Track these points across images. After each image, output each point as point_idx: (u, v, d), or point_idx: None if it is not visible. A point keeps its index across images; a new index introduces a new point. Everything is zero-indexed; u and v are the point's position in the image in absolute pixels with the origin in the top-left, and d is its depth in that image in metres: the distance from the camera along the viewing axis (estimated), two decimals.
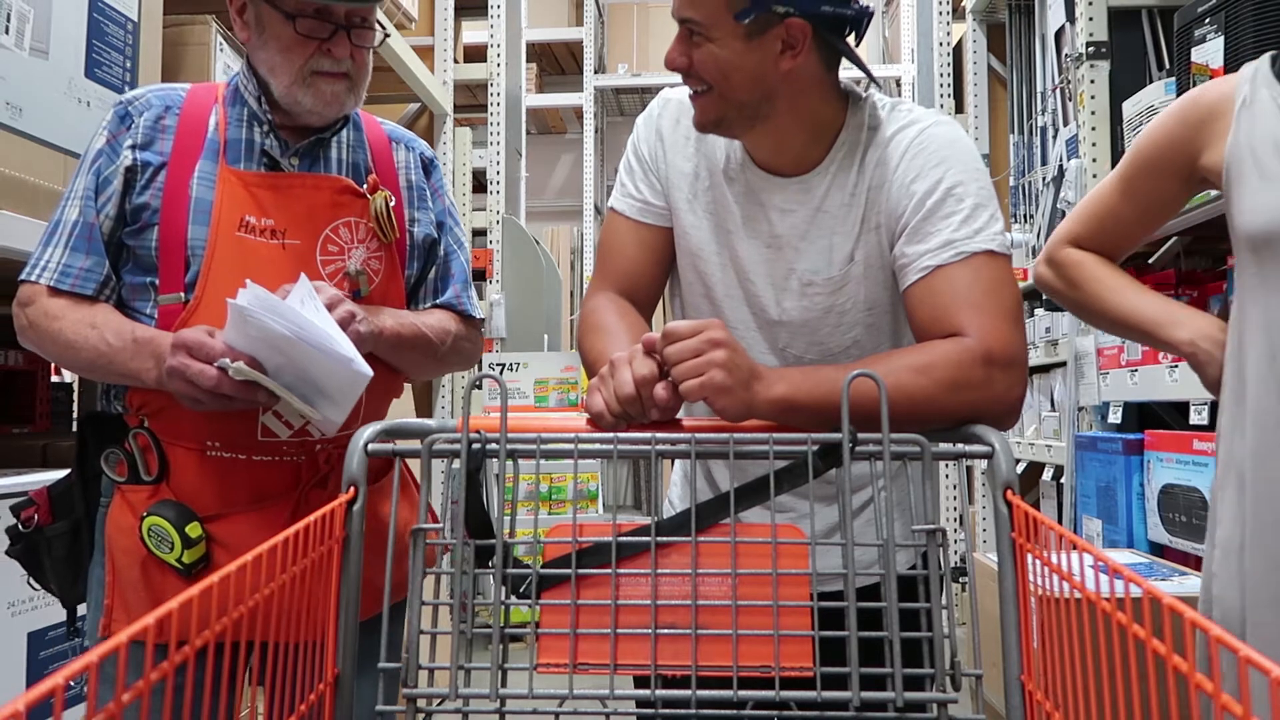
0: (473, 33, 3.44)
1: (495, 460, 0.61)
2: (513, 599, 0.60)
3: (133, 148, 0.88)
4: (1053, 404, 2.18)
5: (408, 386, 2.48)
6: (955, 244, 0.76)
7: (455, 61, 3.14)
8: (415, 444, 0.61)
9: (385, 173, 0.97)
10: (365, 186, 0.93)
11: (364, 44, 0.91)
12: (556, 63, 5.06)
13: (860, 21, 0.79)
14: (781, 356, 0.86)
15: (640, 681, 0.60)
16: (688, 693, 0.56)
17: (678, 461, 0.95)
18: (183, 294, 0.86)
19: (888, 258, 0.82)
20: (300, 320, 0.77)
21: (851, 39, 0.81)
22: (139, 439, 0.87)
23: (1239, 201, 0.81)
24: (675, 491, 0.99)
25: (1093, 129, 1.95)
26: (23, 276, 0.88)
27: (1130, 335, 0.95)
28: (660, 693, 0.56)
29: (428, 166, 1.03)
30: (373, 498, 0.95)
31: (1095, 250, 0.98)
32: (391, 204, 0.94)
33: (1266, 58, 0.85)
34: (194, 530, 0.83)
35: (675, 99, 0.90)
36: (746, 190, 0.86)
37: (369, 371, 0.81)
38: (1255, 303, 0.80)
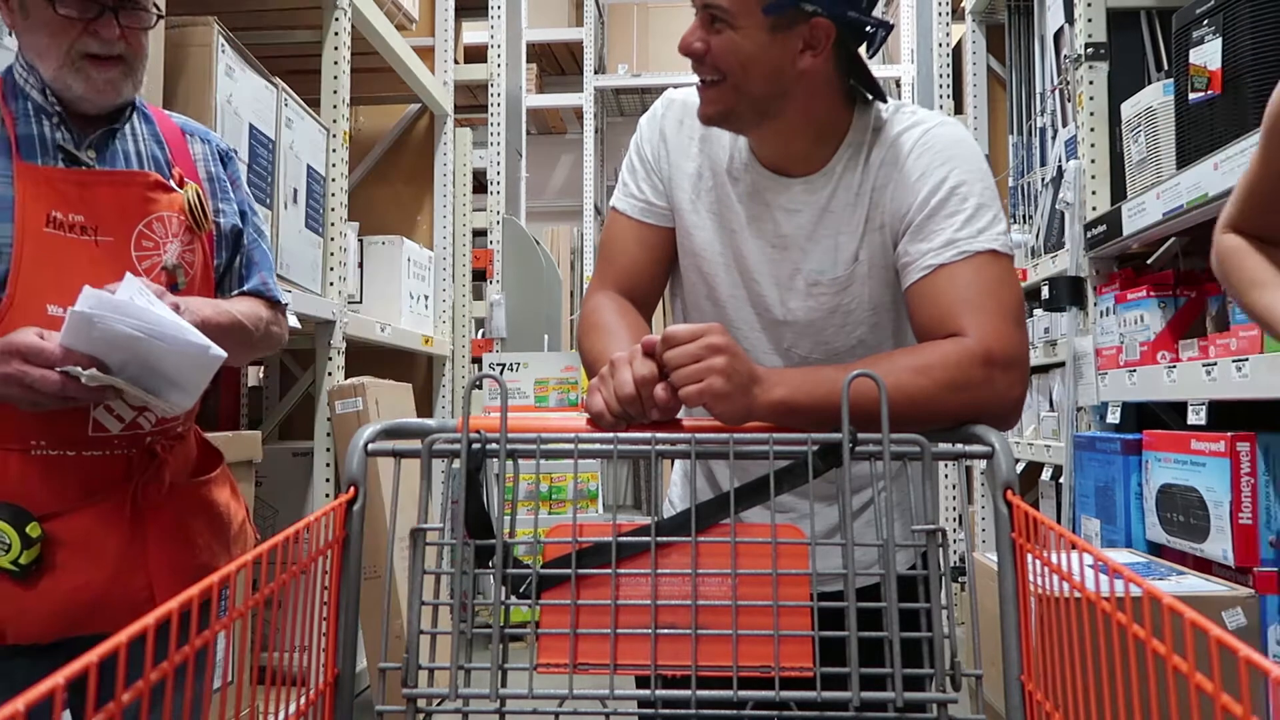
0: (473, 33, 3.44)
1: (495, 460, 0.61)
2: (513, 599, 0.60)
3: None
4: (1051, 404, 2.18)
5: (408, 387, 2.48)
6: (958, 243, 0.76)
7: (456, 62, 3.14)
8: (415, 444, 0.61)
9: (184, 166, 0.97)
10: (173, 180, 0.93)
11: (136, 24, 0.89)
12: (557, 63, 5.06)
13: (877, 35, 0.79)
14: (786, 356, 0.86)
15: (640, 681, 0.60)
16: (688, 693, 0.56)
17: (678, 461, 0.95)
18: None
19: (891, 257, 0.81)
20: (148, 317, 0.79)
21: (864, 50, 0.81)
22: None
23: None
24: (675, 491, 0.99)
25: (1091, 130, 1.95)
26: None
27: (1268, 331, 0.90)
28: (660, 693, 0.56)
29: (224, 158, 1.03)
30: (207, 488, 0.98)
31: (1252, 229, 0.90)
32: (202, 197, 0.95)
33: None
34: (34, 530, 0.82)
35: (679, 99, 0.90)
36: (751, 190, 0.85)
37: (224, 354, 0.83)
38: None
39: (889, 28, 0.79)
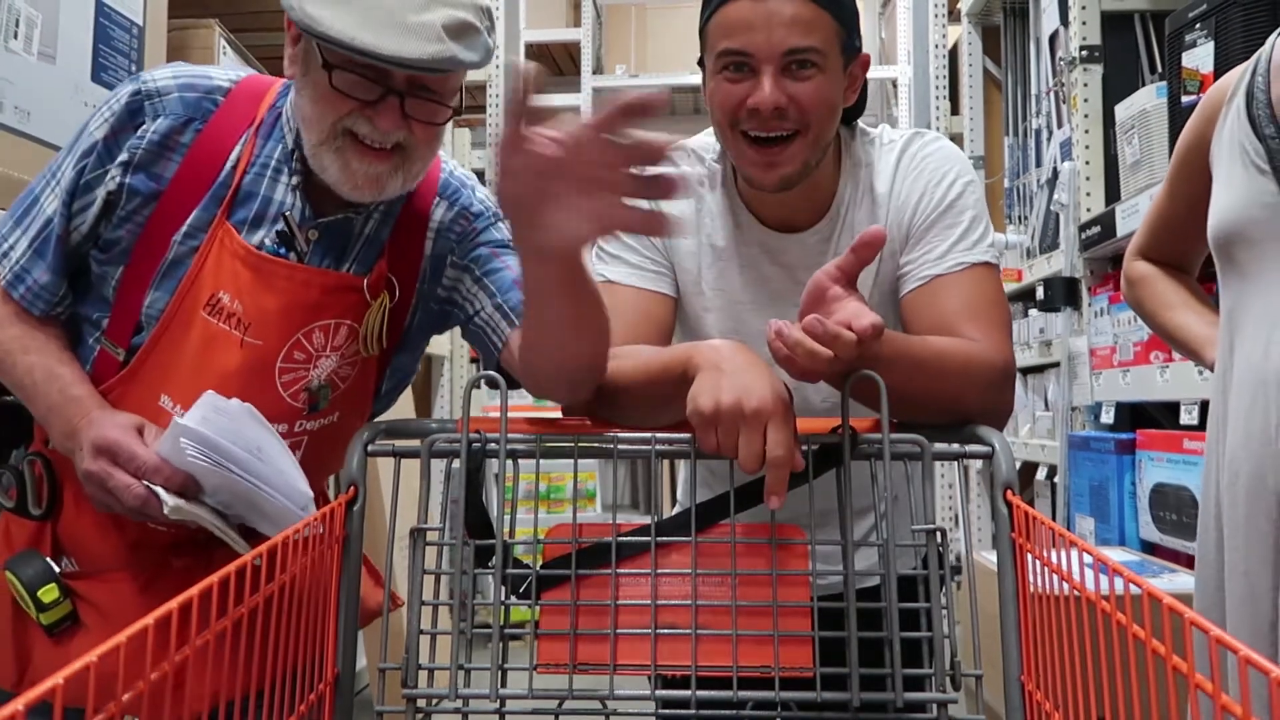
0: None
1: (495, 460, 0.61)
2: (512, 599, 0.60)
3: (125, 166, 0.72)
4: (1046, 404, 2.19)
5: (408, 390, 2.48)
6: (956, 254, 0.75)
7: None
8: (415, 444, 0.61)
9: (409, 247, 0.78)
10: (366, 283, 0.75)
11: (425, 117, 0.70)
12: (554, 64, 5.06)
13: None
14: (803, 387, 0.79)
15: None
16: (688, 693, 0.56)
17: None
18: (124, 351, 0.73)
19: (893, 275, 0.80)
20: (243, 459, 0.66)
21: None
22: (34, 465, 0.75)
23: (1212, 199, 0.81)
24: (684, 489, 0.97)
25: (1085, 132, 1.96)
26: None
27: (1181, 352, 0.95)
28: (660, 693, 0.56)
29: (468, 229, 0.80)
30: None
31: (1160, 257, 0.96)
32: (386, 310, 0.76)
33: (1262, 51, 0.81)
34: (48, 595, 0.72)
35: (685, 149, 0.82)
36: (763, 256, 0.80)
37: (312, 511, 0.68)
38: (1222, 300, 0.81)
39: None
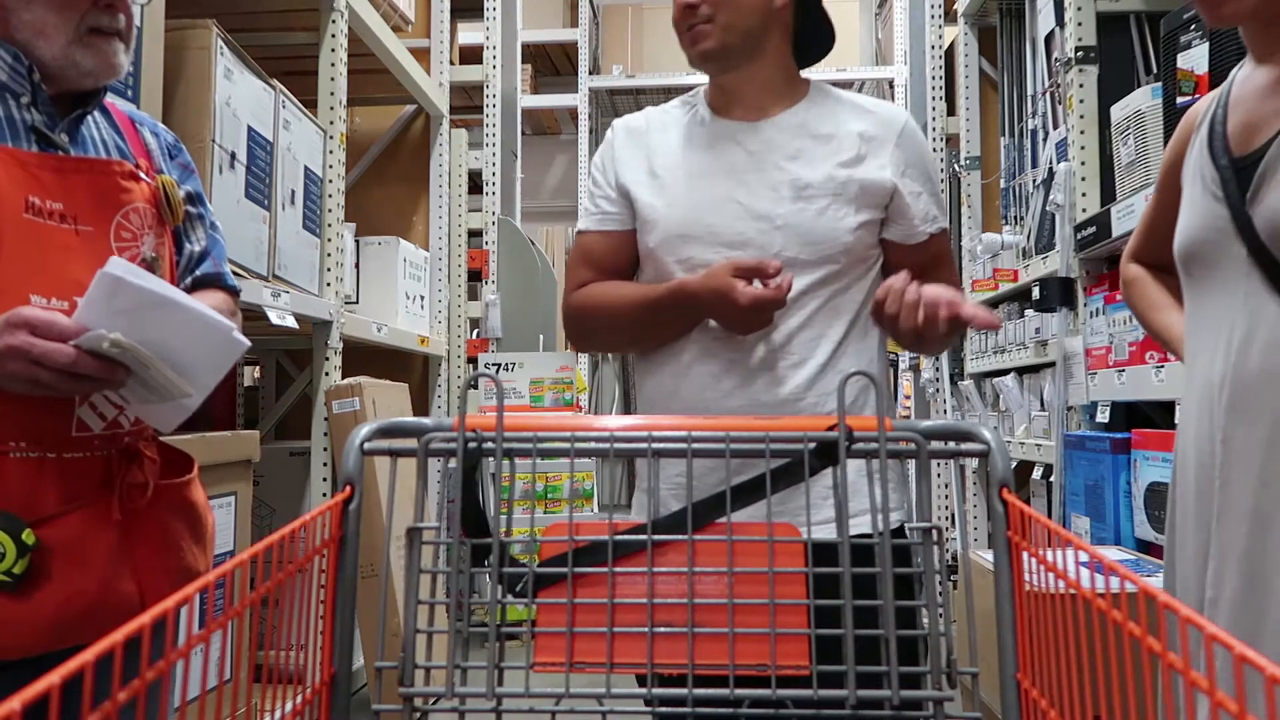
0: (468, 34, 3.44)
1: (491, 459, 0.61)
2: (509, 598, 0.60)
3: None
4: (1042, 403, 2.19)
5: (404, 387, 2.48)
6: (939, 219, 1.00)
7: (451, 63, 3.14)
8: (411, 443, 0.61)
9: (141, 155, 0.94)
10: (142, 169, 0.91)
11: (137, 1, 0.89)
12: (551, 64, 5.06)
13: None
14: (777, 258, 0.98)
15: (638, 680, 0.60)
16: (684, 691, 0.56)
17: (640, 462, 1.02)
18: None
19: (876, 190, 0.97)
20: (173, 290, 0.75)
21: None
22: None
23: (1179, 218, 0.88)
24: (642, 495, 1.01)
25: (1081, 132, 1.96)
26: None
27: (1166, 349, 1.02)
28: (657, 691, 0.56)
29: (173, 151, 1.00)
30: (188, 488, 0.93)
31: (1152, 260, 1.01)
32: (173, 189, 0.92)
33: (1230, 77, 0.87)
34: (29, 537, 0.76)
35: (624, 123, 1.05)
36: (724, 136, 1.00)
37: (247, 341, 0.79)
38: (1185, 311, 0.88)
39: None
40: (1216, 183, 0.80)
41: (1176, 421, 0.90)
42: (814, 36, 1.03)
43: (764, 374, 0.95)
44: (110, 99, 0.95)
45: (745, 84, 0.99)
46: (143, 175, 0.90)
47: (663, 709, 0.57)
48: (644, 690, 0.57)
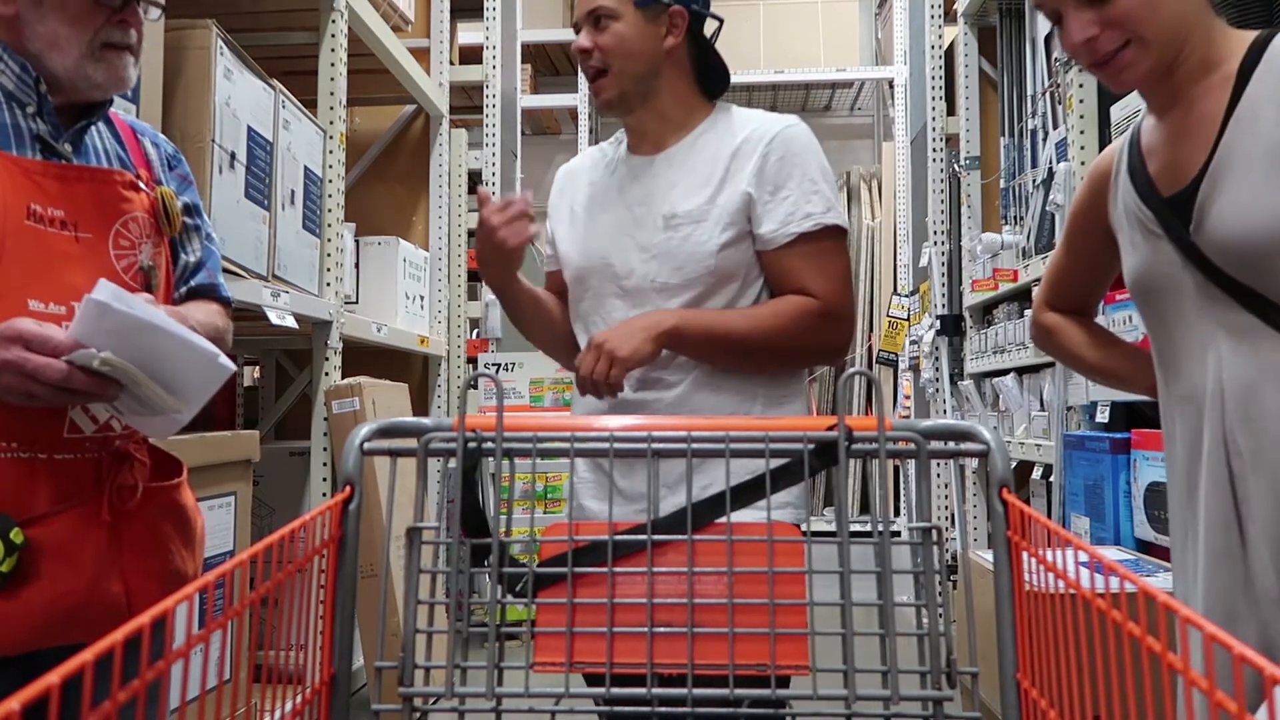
0: (468, 34, 3.44)
1: (491, 459, 0.61)
2: (509, 598, 0.60)
3: None
4: (1042, 403, 2.19)
5: (404, 387, 2.48)
6: (813, 216, 1.01)
7: (451, 63, 3.14)
8: (411, 443, 0.61)
9: (142, 166, 0.96)
10: (143, 180, 0.93)
11: (148, 16, 0.92)
12: (551, 64, 5.05)
13: (717, 26, 1.07)
14: (650, 284, 1.05)
15: (637, 680, 0.60)
16: (684, 691, 0.56)
17: (584, 462, 1.09)
18: None
19: (743, 213, 1.02)
20: (160, 316, 0.76)
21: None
22: None
23: (1123, 260, 0.93)
24: (587, 491, 1.08)
25: (1081, 133, 1.96)
26: None
27: (1109, 385, 1.10)
28: (657, 691, 0.56)
29: (172, 162, 1.02)
30: (177, 491, 0.94)
31: (1066, 306, 1.08)
32: (172, 200, 0.94)
33: (1131, 130, 0.95)
34: (17, 536, 0.77)
35: (564, 169, 1.18)
36: (625, 175, 1.08)
37: (232, 366, 0.81)
38: (1151, 340, 0.93)
39: (722, 21, 1.08)
40: (1154, 222, 0.86)
41: (1163, 433, 0.94)
42: (715, 68, 1.08)
43: (644, 390, 1.03)
44: (113, 108, 0.98)
45: (646, 122, 1.08)
46: (143, 185, 0.92)
47: (662, 709, 0.57)
48: (644, 690, 0.57)
